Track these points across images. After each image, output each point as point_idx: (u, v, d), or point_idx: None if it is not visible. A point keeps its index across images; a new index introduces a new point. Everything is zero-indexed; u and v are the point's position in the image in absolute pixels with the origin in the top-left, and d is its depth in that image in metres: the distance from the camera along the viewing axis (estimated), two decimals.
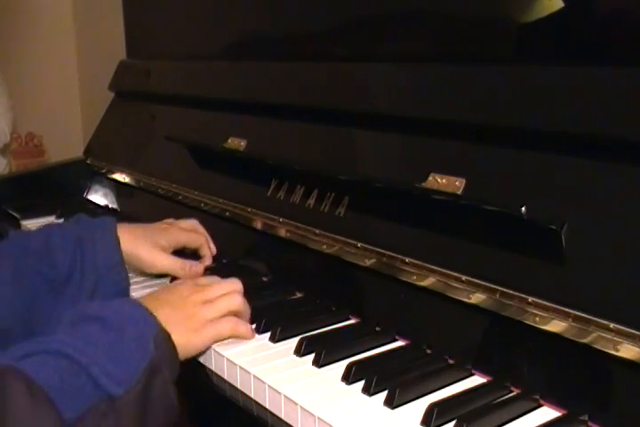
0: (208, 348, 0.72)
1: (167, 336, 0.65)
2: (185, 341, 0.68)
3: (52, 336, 0.60)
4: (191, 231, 0.96)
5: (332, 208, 0.88)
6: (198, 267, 0.91)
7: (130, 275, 0.90)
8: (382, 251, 0.79)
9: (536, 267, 0.65)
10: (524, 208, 0.64)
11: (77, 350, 0.58)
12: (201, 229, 0.99)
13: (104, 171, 1.41)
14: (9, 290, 0.78)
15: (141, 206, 1.31)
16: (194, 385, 0.74)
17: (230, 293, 0.75)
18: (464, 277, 0.70)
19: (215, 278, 0.80)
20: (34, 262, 0.80)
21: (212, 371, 0.72)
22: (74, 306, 0.78)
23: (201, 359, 0.73)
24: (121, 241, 0.84)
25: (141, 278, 0.94)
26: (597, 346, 0.58)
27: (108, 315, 0.63)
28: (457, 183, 0.73)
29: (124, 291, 0.85)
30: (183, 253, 0.95)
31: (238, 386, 0.69)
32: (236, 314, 0.75)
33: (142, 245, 0.87)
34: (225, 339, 0.73)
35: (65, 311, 0.65)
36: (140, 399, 0.58)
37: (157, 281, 0.93)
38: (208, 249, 0.96)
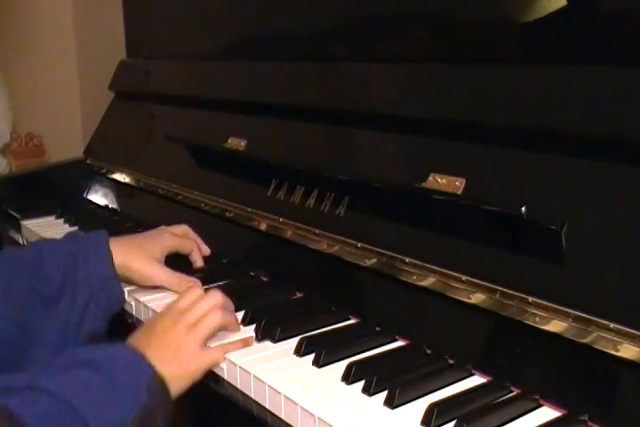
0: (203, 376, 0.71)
1: (161, 380, 0.65)
2: (179, 375, 0.68)
3: (43, 373, 0.60)
4: (183, 237, 0.97)
5: (332, 208, 0.88)
6: (195, 284, 0.88)
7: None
8: (382, 251, 0.79)
9: (536, 267, 0.65)
10: (524, 208, 0.64)
11: (70, 390, 0.58)
12: (192, 234, 0.99)
13: (104, 171, 1.41)
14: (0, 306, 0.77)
15: (141, 206, 1.31)
16: (194, 385, 0.74)
17: (209, 311, 0.74)
18: (464, 277, 0.70)
19: (193, 294, 0.76)
20: (25, 279, 0.79)
21: (212, 371, 0.72)
22: (70, 317, 0.78)
23: None
24: (114, 255, 0.84)
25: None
26: (597, 346, 0.58)
27: (101, 360, 0.62)
28: (457, 183, 0.73)
29: (117, 306, 0.85)
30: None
31: (238, 386, 0.69)
32: (223, 327, 0.75)
33: (136, 257, 0.87)
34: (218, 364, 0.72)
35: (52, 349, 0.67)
36: None
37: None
38: (199, 255, 0.97)
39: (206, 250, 0.99)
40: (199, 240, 0.99)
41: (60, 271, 0.80)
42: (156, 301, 0.86)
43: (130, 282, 0.88)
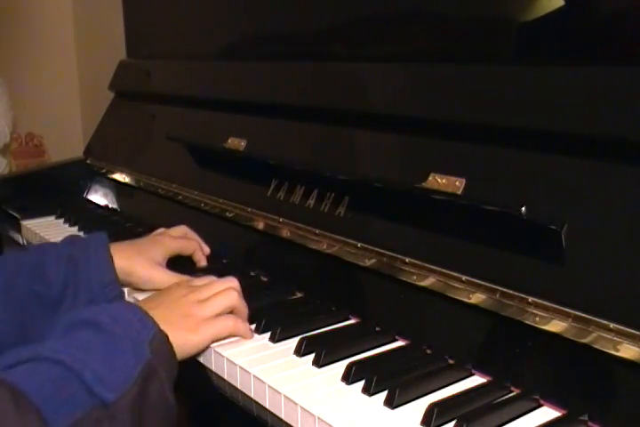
0: (207, 347, 0.72)
1: (165, 337, 0.64)
2: (183, 340, 0.68)
3: (43, 343, 0.60)
4: (183, 238, 0.97)
5: (332, 208, 0.88)
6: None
7: None
8: (382, 251, 0.79)
9: (536, 267, 0.65)
10: (523, 208, 0.64)
11: (70, 356, 0.57)
12: (192, 234, 0.99)
13: (104, 171, 1.42)
14: (0, 308, 0.77)
15: (141, 206, 1.31)
16: (194, 385, 0.74)
17: (226, 290, 0.75)
18: (464, 278, 0.70)
19: (211, 278, 0.80)
20: (27, 281, 0.79)
21: (211, 371, 0.72)
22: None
23: (201, 359, 0.73)
24: (116, 259, 0.84)
25: None
26: (597, 346, 0.58)
27: (103, 319, 0.62)
28: (457, 183, 0.73)
29: None
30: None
31: (238, 386, 0.69)
32: (233, 311, 0.75)
33: (138, 261, 0.87)
34: (224, 338, 0.73)
35: (60, 318, 0.65)
36: (135, 404, 0.58)
37: None
38: (201, 254, 0.97)
39: (206, 249, 0.99)
40: (199, 239, 0.99)
41: (61, 275, 0.80)
42: None
43: (132, 286, 0.88)
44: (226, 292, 0.75)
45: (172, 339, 0.65)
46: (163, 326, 0.65)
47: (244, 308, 0.76)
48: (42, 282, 0.80)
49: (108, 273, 0.83)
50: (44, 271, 0.81)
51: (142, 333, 0.63)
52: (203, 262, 0.97)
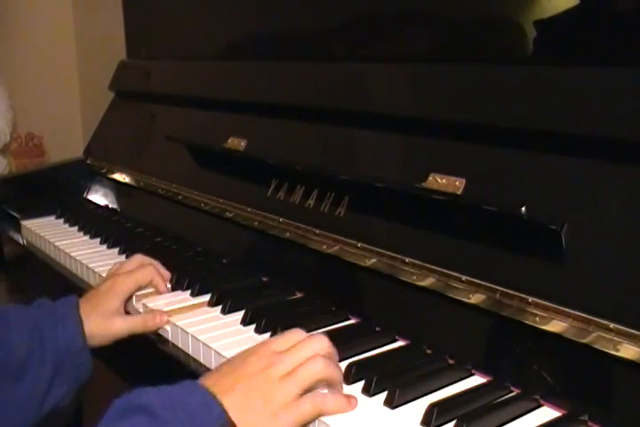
0: None
1: None
2: None
3: None
4: (137, 270, 0.88)
5: (332, 208, 0.88)
6: (162, 316, 0.82)
7: None
8: (382, 251, 0.79)
9: (536, 267, 0.65)
10: (523, 208, 0.64)
11: None
12: (148, 260, 0.91)
13: (104, 171, 1.42)
14: None
15: (141, 206, 1.31)
16: None
17: (311, 358, 0.60)
18: (464, 277, 0.70)
19: (297, 335, 0.64)
20: None
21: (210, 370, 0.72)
22: (35, 389, 0.73)
23: (201, 360, 0.73)
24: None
25: None
26: (597, 346, 0.58)
27: (159, 408, 0.54)
28: (457, 183, 0.73)
29: (85, 375, 0.79)
30: None
31: None
32: (324, 380, 0.61)
33: (93, 321, 0.80)
34: (312, 421, 0.60)
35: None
36: None
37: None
38: (159, 279, 0.89)
39: (167, 274, 0.91)
40: (156, 264, 0.91)
41: (24, 341, 0.75)
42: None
43: (94, 345, 0.81)
44: (311, 361, 0.60)
45: None
46: (238, 414, 0.56)
47: (336, 374, 0.62)
48: (4, 348, 0.73)
49: (76, 340, 0.77)
50: (6, 337, 0.74)
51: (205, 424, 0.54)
52: (161, 287, 0.89)
